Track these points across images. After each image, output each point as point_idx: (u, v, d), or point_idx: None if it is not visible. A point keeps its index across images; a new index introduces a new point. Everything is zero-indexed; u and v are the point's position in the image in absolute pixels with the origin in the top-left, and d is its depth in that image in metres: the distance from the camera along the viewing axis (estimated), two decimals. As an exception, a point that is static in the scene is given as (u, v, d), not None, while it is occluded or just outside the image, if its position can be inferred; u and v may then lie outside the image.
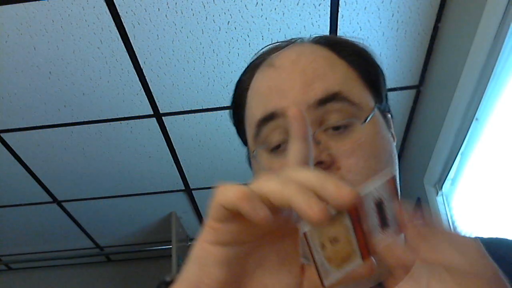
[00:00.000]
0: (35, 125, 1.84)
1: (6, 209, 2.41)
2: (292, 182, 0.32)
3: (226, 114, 1.82)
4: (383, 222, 0.34)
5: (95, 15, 1.41)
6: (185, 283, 0.36)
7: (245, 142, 0.63)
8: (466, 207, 1.69)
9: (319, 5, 1.42)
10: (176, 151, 2.04)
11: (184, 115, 1.84)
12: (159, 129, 1.90)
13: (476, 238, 0.60)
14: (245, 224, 0.34)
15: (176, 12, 1.42)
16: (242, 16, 1.45)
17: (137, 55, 1.56)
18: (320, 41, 0.61)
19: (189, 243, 2.78)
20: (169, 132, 1.93)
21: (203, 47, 1.54)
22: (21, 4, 1.36)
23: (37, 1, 1.36)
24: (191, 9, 1.42)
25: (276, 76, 0.56)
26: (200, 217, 2.63)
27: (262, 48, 0.63)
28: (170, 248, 2.51)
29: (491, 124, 1.43)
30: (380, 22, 1.48)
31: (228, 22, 1.46)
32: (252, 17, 1.45)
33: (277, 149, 0.54)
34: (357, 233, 0.33)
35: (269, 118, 0.55)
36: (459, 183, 1.70)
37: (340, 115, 0.53)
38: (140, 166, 2.13)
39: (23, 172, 2.11)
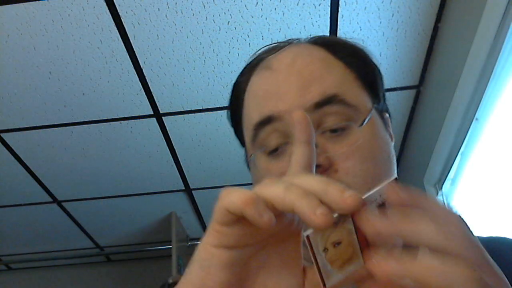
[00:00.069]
0: (35, 125, 1.84)
1: (6, 209, 2.41)
2: (295, 187, 0.33)
3: (226, 114, 1.82)
4: None
5: (95, 15, 1.41)
6: (189, 285, 0.37)
7: (243, 143, 0.63)
8: (466, 207, 1.69)
9: (319, 5, 1.42)
10: (176, 151, 2.04)
11: (184, 115, 1.84)
12: (159, 129, 1.90)
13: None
14: (249, 227, 0.34)
15: (176, 12, 1.42)
16: (242, 16, 1.45)
17: (137, 55, 1.56)
18: (317, 41, 0.60)
19: (189, 243, 2.78)
20: (169, 132, 1.93)
21: (203, 47, 1.54)
22: (21, 4, 1.36)
23: (37, 1, 1.36)
24: (191, 9, 1.42)
25: (273, 79, 0.56)
26: (200, 217, 2.63)
27: (259, 49, 0.62)
28: (170, 248, 2.51)
29: (491, 124, 1.43)
30: (380, 22, 1.48)
31: (228, 22, 1.46)
32: (252, 17, 1.45)
33: (275, 152, 0.54)
34: (359, 235, 0.33)
35: (266, 121, 0.55)
36: (459, 183, 1.70)
37: (337, 118, 0.53)
38: (140, 166, 2.13)
39: (23, 172, 2.11)
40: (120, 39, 1.50)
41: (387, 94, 1.96)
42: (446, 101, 1.53)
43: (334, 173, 0.51)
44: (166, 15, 1.43)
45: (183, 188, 2.34)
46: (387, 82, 1.71)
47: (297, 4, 1.42)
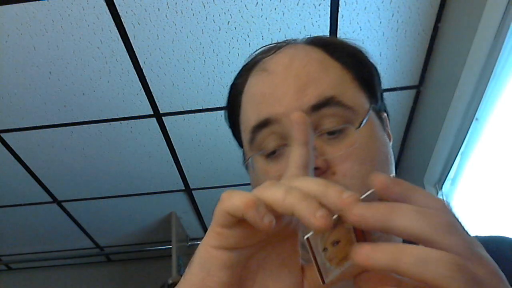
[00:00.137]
0: (35, 125, 1.84)
1: (6, 209, 2.41)
2: (295, 190, 0.33)
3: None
4: None
5: (95, 15, 1.41)
6: (189, 285, 0.37)
7: (241, 144, 0.63)
8: (466, 207, 1.69)
9: (319, 5, 1.42)
10: (176, 151, 2.04)
11: (184, 115, 1.84)
12: (159, 129, 1.90)
13: (474, 236, 0.60)
14: (248, 229, 0.35)
15: (176, 12, 1.42)
16: (242, 16, 1.45)
17: (137, 55, 1.56)
18: (314, 42, 0.60)
19: (189, 243, 2.78)
20: (169, 132, 1.93)
21: (203, 47, 1.54)
22: (21, 4, 1.36)
23: (37, 1, 1.36)
24: (191, 9, 1.42)
25: (269, 82, 0.56)
26: (200, 217, 2.63)
27: (256, 50, 0.62)
28: (170, 248, 2.51)
29: (491, 124, 1.43)
30: (380, 22, 1.48)
31: (228, 22, 1.46)
32: (252, 17, 1.45)
33: (273, 154, 0.54)
34: (358, 233, 0.34)
35: (263, 124, 0.55)
36: (459, 183, 1.70)
37: (334, 120, 0.53)
38: (140, 166, 2.13)
39: (23, 172, 2.11)
40: (120, 39, 1.50)
41: (387, 94, 1.96)
42: (446, 101, 1.53)
43: (332, 176, 0.51)
44: (166, 15, 1.43)
45: (183, 188, 2.34)
46: (387, 82, 1.71)
47: (297, 4, 1.42)
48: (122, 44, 1.51)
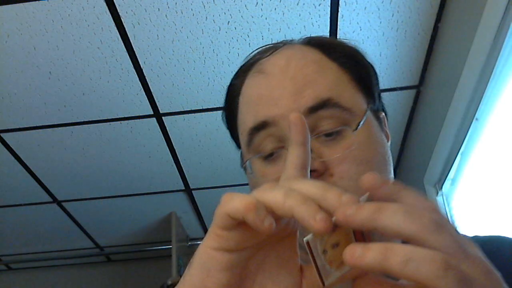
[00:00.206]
0: (35, 125, 1.84)
1: (6, 209, 2.41)
2: (294, 193, 0.33)
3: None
4: None
5: (95, 15, 1.41)
6: (188, 286, 0.37)
7: (239, 145, 0.63)
8: (466, 207, 1.69)
9: (319, 5, 1.42)
10: (176, 151, 2.04)
11: (184, 115, 1.84)
12: (159, 129, 1.90)
13: (474, 236, 0.60)
14: (248, 231, 0.35)
15: (176, 12, 1.42)
16: (242, 16, 1.45)
17: (137, 55, 1.56)
18: (310, 42, 0.60)
19: (189, 243, 2.78)
20: (169, 132, 1.93)
21: (203, 47, 1.54)
22: (21, 4, 1.36)
23: (37, 1, 1.36)
24: (191, 9, 1.42)
25: (266, 84, 0.56)
26: (200, 217, 2.63)
27: (253, 51, 0.62)
28: (170, 248, 2.51)
29: (491, 124, 1.43)
30: (380, 22, 1.48)
31: (228, 22, 1.46)
32: (252, 17, 1.45)
33: (270, 157, 0.54)
34: (357, 236, 0.34)
35: (260, 127, 0.55)
36: (459, 183, 1.70)
37: (332, 122, 0.53)
38: (140, 166, 2.13)
39: (23, 172, 2.11)
40: (120, 39, 1.50)
41: (387, 94, 1.96)
42: (446, 101, 1.53)
43: (329, 177, 0.51)
44: (166, 15, 1.43)
45: (183, 188, 2.34)
46: (387, 82, 1.71)
47: (297, 4, 1.42)
48: (122, 44, 1.51)
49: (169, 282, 1.95)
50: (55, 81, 1.64)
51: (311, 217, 0.31)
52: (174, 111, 1.81)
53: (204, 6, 1.41)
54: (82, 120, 1.83)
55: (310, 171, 0.47)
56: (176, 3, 1.40)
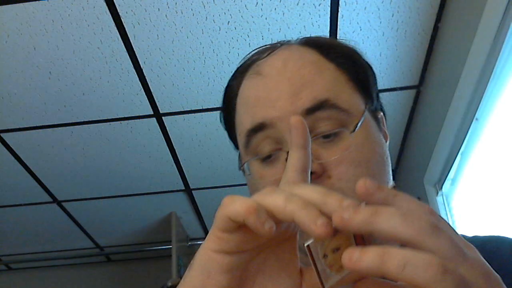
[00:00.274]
0: (35, 125, 1.84)
1: (6, 209, 2.41)
2: (295, 197, 0.33)
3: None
4: None
5: (95, 15, 1.41)
6: None
7: (237, 146, 0.63)
8: (466, 207, 1.69)
9: (319, 5, 1.42)
10: (176, 151, 2.04)
11: (184, 115, 1.84)
12: (159, 129, 1.90)
13: (473, 236, 0.60)
14: (249, 234, 0.35)
15: (176, 12, 1.42)
16: (242, 16, 1.45)
17: (137, 55, 1.56)
18: (308, 42, 0.60)
19: (189, 243, 2.78)
20: (169, 132, 1.93)
21: (203, 47, 1.54)
22: (21, 4, 1.36)
23: (37, 1, 1.36)
24: (191, 9, 1.42)
25: (263, 86, 0.55)
26: (200, 217, 2.63)
27: (251, 51, 0.62)
28: (170, 248, 2.51)
29: (491, 124, 1.43)
30: (380, 22, 1.48)
31: (228, 22, 1.46)
32: (252, 17, 1.45)
33: (268, 159, 0.54)
34: (358, 240, 0.34)
35: (258, 129, 0.54)
36: (459, 183, 1.70)
37: (329, 123, 0.52)
38: (140, 166, 2.13)
39: (23, 172, 2.11)
40: (120, 39, 1.50)
41: (387, 94, 1.95)
42: (446, 101, 1.53)
43: (327, 179, 0.51)
44: (166, 15, 1.43)
45: (183, 188, 2.34)
46: (387, 82, 1.71)
47: (297, 4, 1.42)
48: (122, 44, 1.51)
49: (169, 284, 1.95)
50: (55, 81, 1.64)
51: (312, 222, 0.31)
52: (174, 111, 1.81)
53: (204, 6, 1.41)
54: (82, 120, 1.83)
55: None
56: (176, 3, 1.40)
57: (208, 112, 1.82)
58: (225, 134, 0.68)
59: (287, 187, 0.36)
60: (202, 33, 1.49)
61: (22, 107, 1.74)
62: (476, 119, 1.45)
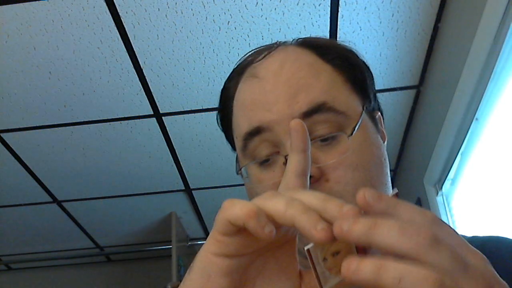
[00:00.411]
0: (35, 125, 1.84)
1: (6, 209, 2.41)
2: (296, 202, 0.33)
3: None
4: None
5: (95, 15, 1.41)
6: None
7: (234, 147, 0.63)
8: (466, 207, 1.69)
9: (319, 5, 1.42)
10: (176, 151, 2.04)
11: (184, 115, 1.84)
12: (159, 129, 1.90)
13: (473, 236, 0.60)
14: (249, 237, 0.35)
15: (176, 12, 1.42)
16: (242, 16, 1.45)
17: (137, 55, 1.56)
18: (304, 43, 0.59)
19: (189, 243, 2.78)
20: (169, 132, 1.93)
21: (203, 47, 1.54)
22: (21, 4, 1.36)
23: (37, 1, 1.36)
24: (191, 9, 1.42)
25: (260, 89, 0.55)
26: (200, 217, 2.63)
27: (247, 52, 0.61)
28: (170, 248, 2.51)
29: (491, 124, 1.43)
30: (380, 22, 1.48)
31: (228, 22, 1.46)
32: (252, 17, 1.45)
33: (266, 162, 0.54)
34: (357, 245, 0.34)
35: (255, 132, 0.54)
36: (459, 183, 1.70)
37: (327, 126, 0.52)
38: (140, 166, 2.13)
39: (23, 172, 2.11)
40: (120, 39, 1.50)
41: (387, 94, 1.95)
42: (446, 101, 1.53)
43: (325, 183, 0.50)
44: (166, 15, 1.43)
45: (183, 188, 2.34)
46: (387, 82, 1.71)
47: (297, 4, 1.42)
48: (122, 44, 1.51)
49: (169, 287, 1.95)
50: (55, 81, 1.64)
51: (312, 227, 0.31)
52: (174, 111, 1.81)
53: (204, 6, 1.41)
54: (82, 120, 1.83)
55: None
56: (176, 3, 1.40)
57: (208, 112, 1.82)
58: (225, 134, 0.68)
59: (287, 193, 0.36)
60: (202, 33, 1.49)
61: (22, 107, 1.74)
62: (476, 119, 1.45)
